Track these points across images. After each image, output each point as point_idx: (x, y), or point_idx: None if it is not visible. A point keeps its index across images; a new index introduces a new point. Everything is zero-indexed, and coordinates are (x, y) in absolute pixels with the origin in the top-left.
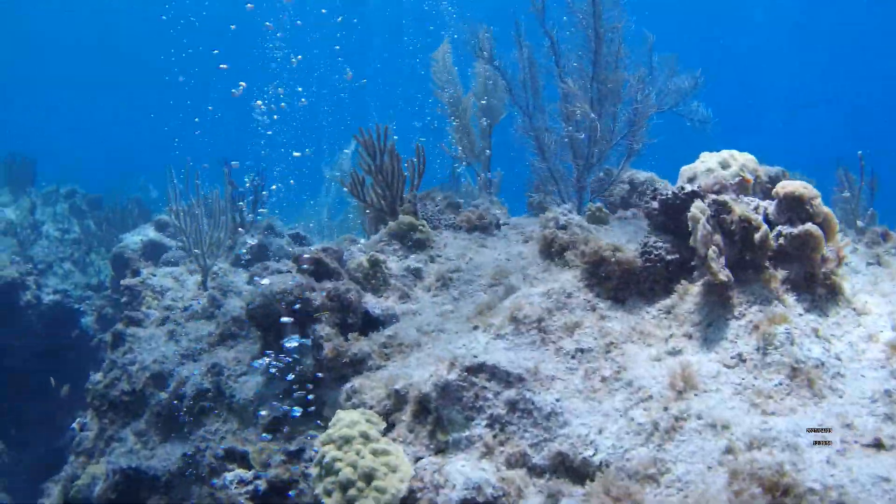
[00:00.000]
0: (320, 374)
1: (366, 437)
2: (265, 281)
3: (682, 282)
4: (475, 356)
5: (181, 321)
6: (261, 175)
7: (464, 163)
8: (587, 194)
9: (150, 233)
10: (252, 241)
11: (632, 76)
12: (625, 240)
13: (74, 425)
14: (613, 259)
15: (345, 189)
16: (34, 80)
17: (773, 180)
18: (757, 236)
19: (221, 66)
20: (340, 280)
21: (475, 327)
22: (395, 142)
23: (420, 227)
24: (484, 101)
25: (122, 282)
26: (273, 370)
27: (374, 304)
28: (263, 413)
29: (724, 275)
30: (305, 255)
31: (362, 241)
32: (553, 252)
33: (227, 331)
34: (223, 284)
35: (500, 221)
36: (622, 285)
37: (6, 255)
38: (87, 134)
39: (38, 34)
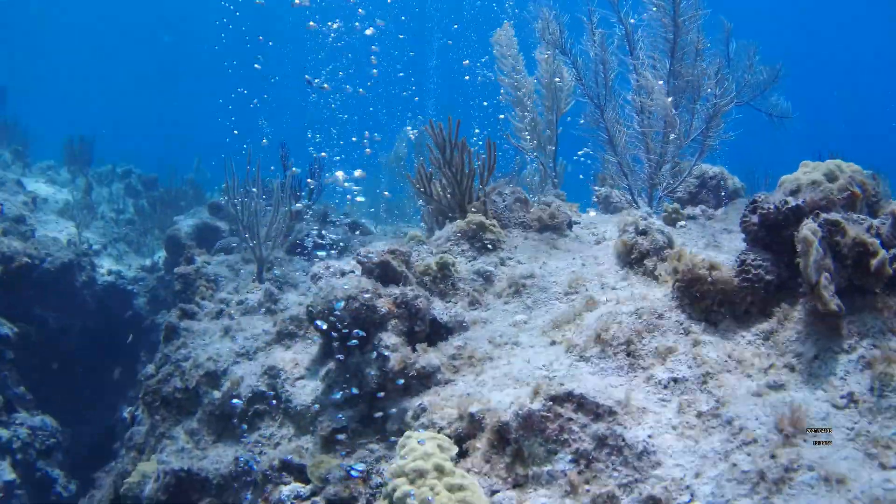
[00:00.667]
0: (385, 386)
1: (440, 471)
2: (328, 282)
3: (782, 305)
4: (561, 383)
5: (236, 315)
6: (319, 162)
7: (530, 154)
8: (657, 191)
9: (204, 215)
10: (309, 229)
11: (709, 67)
12: (702, 244)
13: (125, 414)
14: (709, 278)
15: (416, 186)
16: (94, 63)
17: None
18: (874, 262)
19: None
20: (408, 285)
21: (553, 342)
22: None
23: (490, 228)
24: (552, 90)
25: (175, 270)
26: (334, 377)
27: (441, 309)
28: (323, 422)
29: (835, 304)
30: (372, 256)
31: (420, 232)
32: (632, 259)
33: (285, 329)
34: (279, 276)
35: (572, 220)
36: (716, 306)
37: (63, 236)
38: (146, 117)
39: (97, 21)
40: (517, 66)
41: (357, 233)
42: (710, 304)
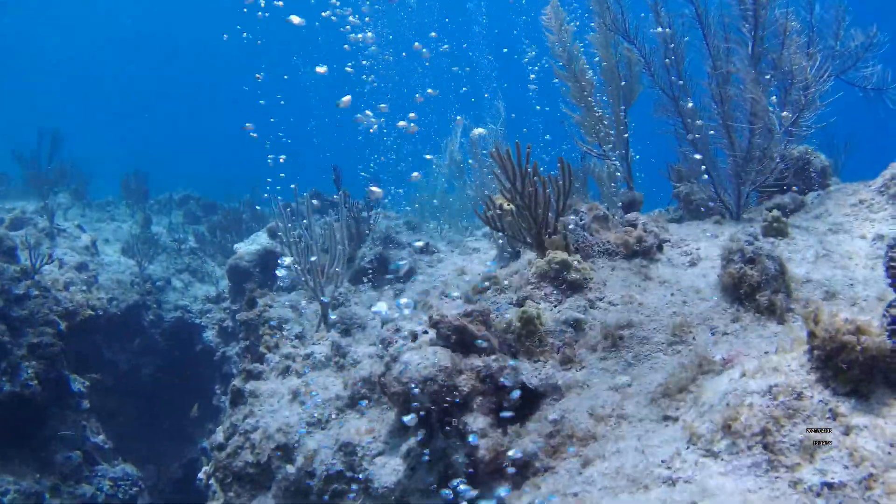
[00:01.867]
0: (476, 474)
1: None
2: (402, 360)
3: None
4: (694, 501)
5: (304, 370)
6: (375, 180)
7: (595, 153)
8: (745, 188)
9: (263, 240)
10: (371, 255)
11: (795, 41)
12: (811, 254)
13: (201, 475)
14: (858, 346)
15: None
16: (134, 96)
17: None
18: None
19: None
20: (491, 354)
21: (665, 417)
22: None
23: (575, 266)
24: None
25: (238, 316)
26: (417, 458)
27: (530, 371)
28: None
29: None
30: (447, 316)
31: (492, 265)
32: (742, 294)
33: (357, 393)
34: (345, 317)
35: (661, 241)
36: (866, 375)
37: (126, 277)
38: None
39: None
40: (571, 52)
41: (425, 253)
42: (858, 374)
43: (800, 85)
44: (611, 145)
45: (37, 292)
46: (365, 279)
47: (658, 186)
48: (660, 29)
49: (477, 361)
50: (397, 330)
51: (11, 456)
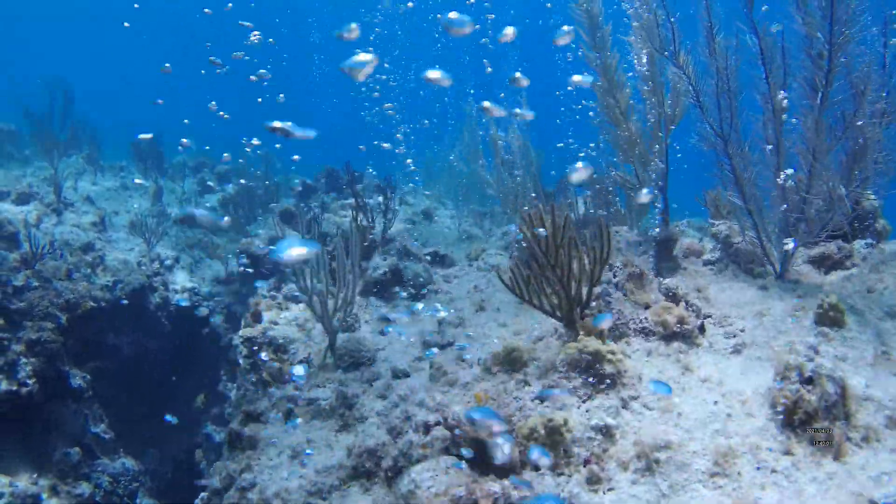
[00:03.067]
0: None
1: None
2: (408, 475)
3: None
4: None
5: (307, 418)
6: (389, 183)
7: (629, 181)
8: (795, 241)
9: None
10: (385, 266)
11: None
12: (870, 354)
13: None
14: None
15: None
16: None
17: None
18: None
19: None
20: (512, 470)
21: None
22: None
23: (608, 357)
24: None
25: (240, 332)
26: None
27: (552, 489)
28: None
29: None
30: (463, 420)
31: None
32: (796, 421)
33: (361, 466)
34: (352, 348)
35: (704, 316)
36: None
37: (135, 255)
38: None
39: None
40: (608, 61)
41: (440, 265)
42: None
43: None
44: (650, 174)
45: (37, 283)
46: (376, 290)
47: (684, 189)
48: (711, 59)
49: (494, 487)
50: (407, 417)
51: (8, 455)
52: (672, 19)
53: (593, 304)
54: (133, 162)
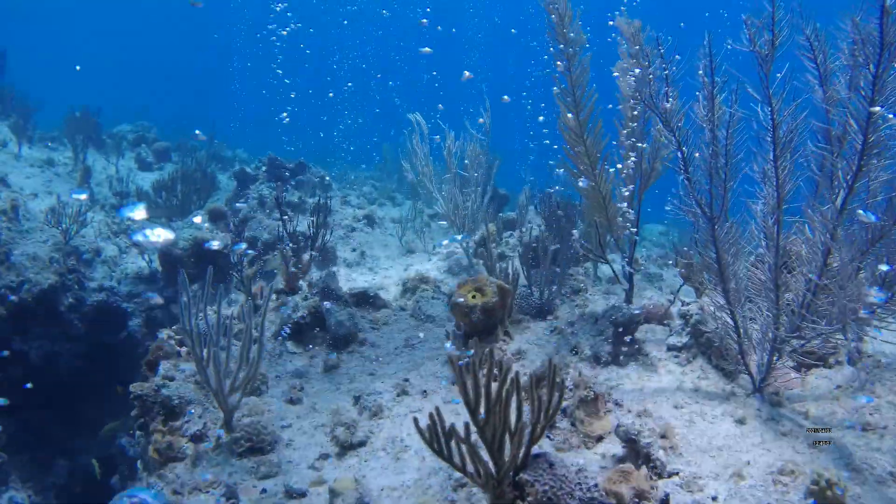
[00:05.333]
0: None
1: None
2: None
3: None
4: None
5: None
6: (323, 202)
7: (594, 256)
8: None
9: (202, 223)
10: (304, 307)
11: None
12: None
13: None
14: None
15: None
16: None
17: None
18: None
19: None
20: None
21: None
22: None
23: None
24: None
25: (131, 388)
26: None
27: None
28: None
29: None
30: None
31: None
32: None
33: None
34: (252, 431)
35: (669, 477)
36: None
37: (47, 249)
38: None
39: None
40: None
41: (370, 306)
42: None
43: None
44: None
45: None
46: (292, 333)
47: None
48: (707, 130)
49: None
50: None
51: None
52: (667, 71)
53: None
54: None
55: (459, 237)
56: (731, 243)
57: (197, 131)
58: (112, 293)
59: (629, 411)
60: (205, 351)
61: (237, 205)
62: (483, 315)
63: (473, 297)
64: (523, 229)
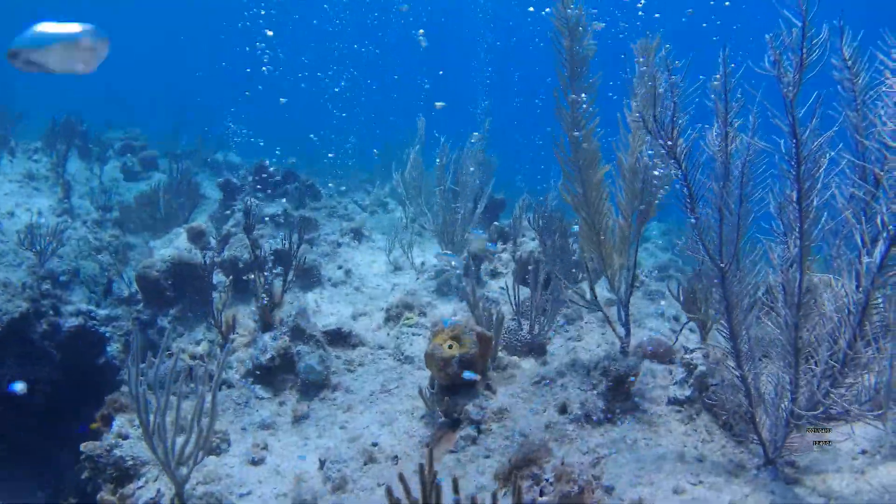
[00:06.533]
0: None
1: None
2: None
3: None
4: None
5: None
6: (297, 232)
7: (578, 304)
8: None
9: (181, 242)
10: (273, 348)
11: None
12: None
13: None
14: None
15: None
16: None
17: None
18: None
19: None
20: None
21: None
22: None
23: None
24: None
25: (82, 447)
26: None
27: None
28: None
29: None
30: None
31: None
32: None
33: None
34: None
35: None
36: None
37: (21, 273)
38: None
39: None
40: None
41: (343, 344)
42: None
43: None
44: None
45: None
46: (259, 375)
47: None
48: (718, 162)
49: None
50: None
51: None
52: (675, 100)
53: None
54: (55, 142)
55: (448, 254)
56: (746, 294)
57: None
58: (90, 317)
59: (621, 501)
60: (153, 416)
61: (229, 228)
62: (461, 368)
63: (450, 346)
64: (517, 241)
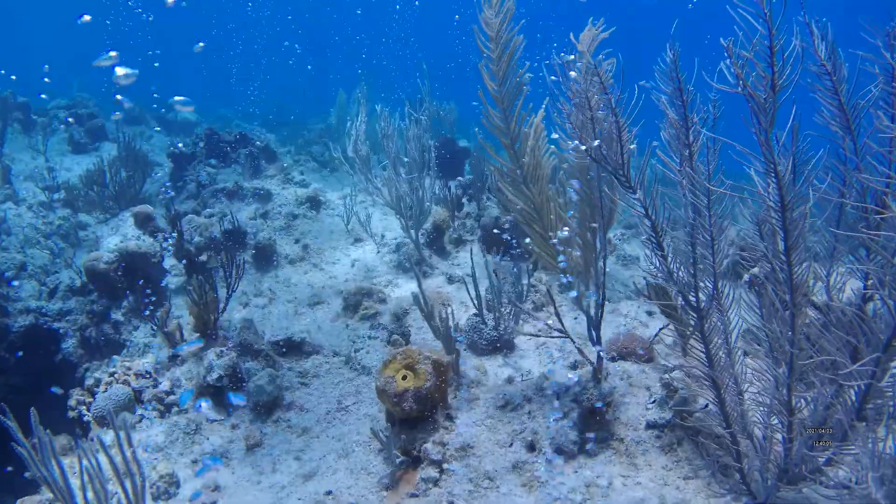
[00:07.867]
0: None
1: None
2: None
3: None
4: None
5: None
6: (234, 226)
7: (550, 333)
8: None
9: (129, 230)
10: (220, 366)
11: None
12: None
13: None
14: None
15: None
16: None
17: None
18: None
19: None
20: None
21: None
22: None
23: None
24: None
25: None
26: None
27: None
28: None
29: None
30: None
31: None
32: None
33: None
34: None
35: None
36: None
37: None
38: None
39: None
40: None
41: (297, 360)
42: None
43: None
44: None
45: None
46: (210, 395)
47: None
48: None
49: None
50: None
51: None
52: (622, 132)
53: None
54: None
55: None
56: (728, 338)
57: (118, 97)
58: (41, 314)
59: None
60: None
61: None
62: (416, 403)
63: (404, 377)
64: (482, 204)
